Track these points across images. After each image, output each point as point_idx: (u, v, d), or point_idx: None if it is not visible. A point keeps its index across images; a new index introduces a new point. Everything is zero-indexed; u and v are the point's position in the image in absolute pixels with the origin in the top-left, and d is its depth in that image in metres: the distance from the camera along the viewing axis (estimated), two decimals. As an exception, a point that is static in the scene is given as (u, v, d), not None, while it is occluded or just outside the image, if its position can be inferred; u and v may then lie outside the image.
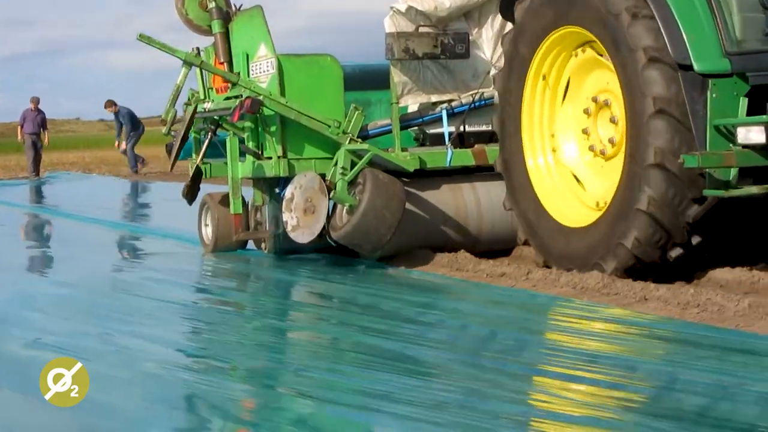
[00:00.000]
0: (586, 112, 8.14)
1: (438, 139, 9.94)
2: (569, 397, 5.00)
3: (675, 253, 7.45)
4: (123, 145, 27.09)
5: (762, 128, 6.88)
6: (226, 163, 9.99)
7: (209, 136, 10.10)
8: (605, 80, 7.84)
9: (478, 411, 4.72)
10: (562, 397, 5.01)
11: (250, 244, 10.56)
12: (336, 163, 9.16)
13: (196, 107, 9.98)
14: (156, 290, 8.60)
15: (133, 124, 27.04)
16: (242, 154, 9.82)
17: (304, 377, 5.64)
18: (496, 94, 9.11)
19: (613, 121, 7.91)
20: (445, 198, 9.46)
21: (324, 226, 9.05)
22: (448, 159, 9.53)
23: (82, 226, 14.80)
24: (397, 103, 9.63)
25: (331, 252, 9.78)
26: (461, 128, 9.90)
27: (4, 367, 6.09)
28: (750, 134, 6.96)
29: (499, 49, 9.73)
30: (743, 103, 7.16)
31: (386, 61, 9.76)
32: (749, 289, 7.31)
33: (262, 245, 10.07)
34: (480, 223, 9.48)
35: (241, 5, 10.23)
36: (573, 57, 8.13)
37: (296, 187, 9.12)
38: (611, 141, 7.98)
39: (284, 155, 9.51)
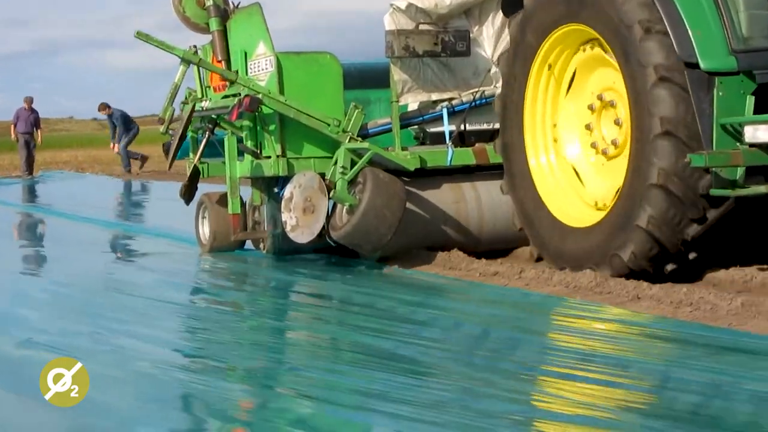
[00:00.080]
0: (591, 108, 8.08)
1: (438, 138, 9.94)
2: (563, 396, 5.03)
3: (670, 267, 7.50)
4: (116, 148, 27.42)
5: None
6: (224, 163, 9.92)
7: (207, 135, 10.08)
8: (612, 79, 7.83)
9: (471, 410, 4.76)
10: (556, 396, 5.04)
11: (248, 244, 10.56)
12: (336, 162, 9.15)
13: (194, 106, 9.94)
14: (150, 289, 8.61)
15: (125, 126, 27.34)
16: (240, 153, 9.75)
17: (300, 377, 5.69)
18: (497, 88, 9.14)
19: (617, 123, 7.91)
20: (445, 197, 9.46)
21: (324, 226, 8.98)
22: (449, 158, 9.52)
23: (75, 225, 14.87)
24: (397, 101, 9.64)
25: (331, 252, 9.78)
26: (462, 127, 9.89)
27: (-4, 365, 6.05)
28: (757, 133, 6.93)
29: (500, 47, 9.69)
30: (750, 101, 7.15)
31: (385, 60, 9.70)
32: (742, 288, 7.35)
33: (261, 245, 10.01)
34: (481, 223, 9.48)
35: (239, 3, 10.20)
36: (581, 51, 8.08)
37: (295, 186, 9.09)
38: (614, 143, 8.00)
39: (283, 154, 9.49)
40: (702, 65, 7.19)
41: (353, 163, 9.07)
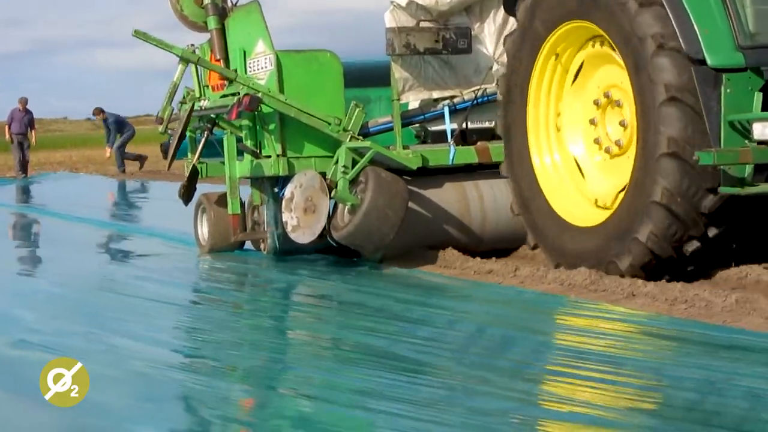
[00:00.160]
0: (596, 103, 8.09)
1: (440, 137, 9.93)
2: (557, 394, 5.08)
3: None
4: (108, 152, 27.89)
5: None
6: (222, 163, 9.86)
7: (205, 135, 10.01)
8: (619, 78, 7.79)
9: (466, 407, 4.80)
10: (551, 394, 5.09)
11: (247, 245, 10.56)
12: (337, 162, 9.14)
13: (193, 105, 9.85)
14: (147, 289, 8.65)
15: (119, 128, 27.74)
16: (240, 152, 9.68)
17: (296, 376, 5.75)
18: (498, 90, 9.11)
19: (622, 124, 7.89)
20: (447, 196, 9.46)
21: (325, 226, 8.91)
22: (451, 156, 9.49)
23: (69, 225, 14.92)
24: (398, 99, 9.61)
25: (331, 252, 9.77)
26: (464, 125, 9.89)
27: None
28: (766, 130, 6.96)
29: (502, 44, 9.58)
30: (758, 98, 7.15)
31: (385, 58, 9.63)
32: (736, 285, 7.37)
33: (261, 246, 9.94)
34: (483, 222, 9.46)
35: (237, 1, 10.17)
36: (590, 47, 8.00)
37: (296, 186, 9.07)
38: (618, 143, 7.99)
39: (283, 154, 9.48)
40: (709, 62, 7.15)
41: (354, 163, 9.07)
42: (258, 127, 9.61)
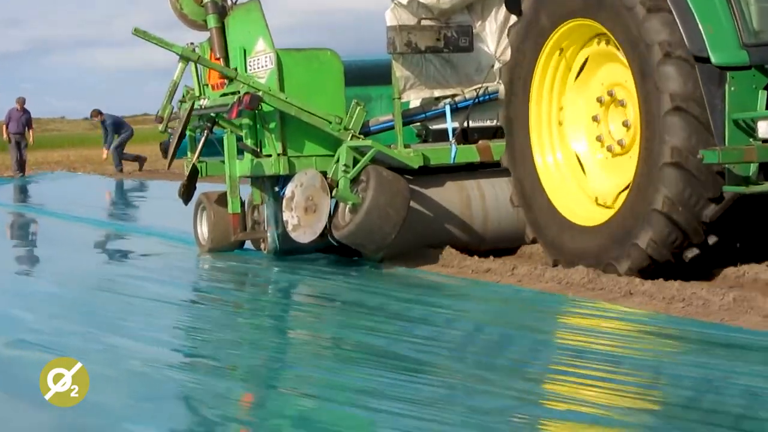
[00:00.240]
0: (599, 101, 8.11)
1: (441, 135, 9.96)
2: (555, 392, 5.12)
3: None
4: (105, 153, 28.03)
5: None
6: (222, 162, 9.84)
7: (205, 134, 10.00)
8: (623, 77, 7.77)
9: (464, 406, 4.83)
10: (549, 392, 5.13)
11: (247, 244, 10.60)
12: (338, 161, 9.15)
13: (193, 104, 9.82)
14: (145, 289, 8.67)
15: (116, 130, 27.99)
16: (240, 151, 9.64)
17: (294, 375, 5.79)
18: (500, 84, 9.09)
19: (625, 124, 7.92)
20: (449, 195, 9.49)
21: (326, 226, 8.87)
22: (452, 155, 9.48)
23: (67, 224, 14.97)
24: (400, 98, 9.61)
25: (332, 252, 9.79)
26: (465, 124, 9.91)
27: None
28: None
29: (504, 43, 9.61)
30: (762, 96, 7.19)
31: (386, 56, 9.62)
32: (734, 283, 7.42)
33: (261, 245, 9.91)
34: (485, 221, 9.45)
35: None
36: (595, 44, 7.98)
37: (297, 185, 9.07)
38: (620, 143, 8.02)
39: (284, 152, 9.50)
40: (713, 60, 7.16)
41: (356, 161, 9.08)
42: (258, 125, 9.62)
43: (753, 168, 7.06)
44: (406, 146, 9.54)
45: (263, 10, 9.66)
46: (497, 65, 9.71)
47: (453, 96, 9.88)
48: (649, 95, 7.32)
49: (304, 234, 9.07)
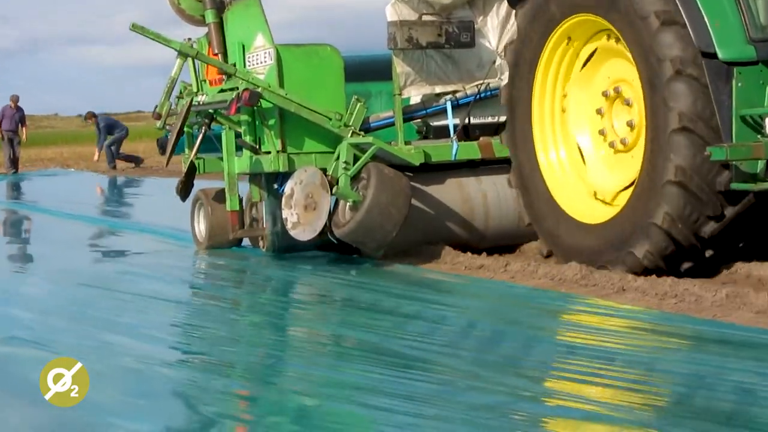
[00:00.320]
0: (605, 94, 8.10)
1: (442, 132, 9.98)
2: (548, 388, 5.19)
3: (686, 265, 7.56)
4: (96, 155, 28.15)
5: None
6: (220, 158, 9.77)
7: (203, 130, 9.95)
8: (631, 76, 7.76)
9: (455, 402, 4.89)
10: (541, 388, 5.18)
11: (245, 242, 10.62)
12: (338, 158, 9.17)
13: (191, 100, 9.73)
14: (141, 286, 8.69)
15: (109, 131, 28.25)
16: (239, 148, 9.56)
17: (288, 371, 5.83)
18: (502, 80, 9.12)
19: (630, 125, 7.92)
20: (450, 193, 9.51)
21: (326, 224, 8.80)
22: (454, 152, 9.44)
23: (60, 221, 14.97)
24: (400, 94, 9.58)
25: (330, 249, 9.78)
26: (466, 120, 9.92)
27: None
28: None
29: (505, 38, 9.59)
30: None
31: (386, 51, 9.59)
32: (727, 280, 7.50)
33: (260, 243, 9.86)
34: (487, 219, 9.46)
35: (236, -6, 9.96)
36: (605, 39, 7.92)
37: (296, 182, 9.07)
38: (623, 141, 8.04)
39: (283, 149, 9.49)
40: (720, 55, 7.17)
41: (356, 158, 9.12)
42: (257, 122, 9.59)
43: (761, 165, 7.10)
44: (407, 143, 9.56)
45: (262, 5, 9.64)
46: (499, 61, 9.69)
47: (454, 92, 9.88)
48: (657, 109, 7.34)
49: (304, 232, 9.04)
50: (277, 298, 8.54)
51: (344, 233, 8.94)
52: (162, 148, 11.66)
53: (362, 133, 9.38)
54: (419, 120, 10.23)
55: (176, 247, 11.03)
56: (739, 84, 7.07)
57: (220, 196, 10.17)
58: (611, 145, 8.08)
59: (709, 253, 7.46)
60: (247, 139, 9.62)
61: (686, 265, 7.49)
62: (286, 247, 9.67)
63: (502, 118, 9.12)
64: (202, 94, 10.28)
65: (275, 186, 9.67)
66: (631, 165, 7.82)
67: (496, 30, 9.88)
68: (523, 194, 8.62)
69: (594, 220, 7.98)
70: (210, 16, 10.07)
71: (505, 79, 8.94)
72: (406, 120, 9.77)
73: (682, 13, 7.19)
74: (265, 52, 9.54)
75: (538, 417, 4.73)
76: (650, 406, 4.77)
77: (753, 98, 7.09)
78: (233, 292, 8.75)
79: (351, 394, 5.15)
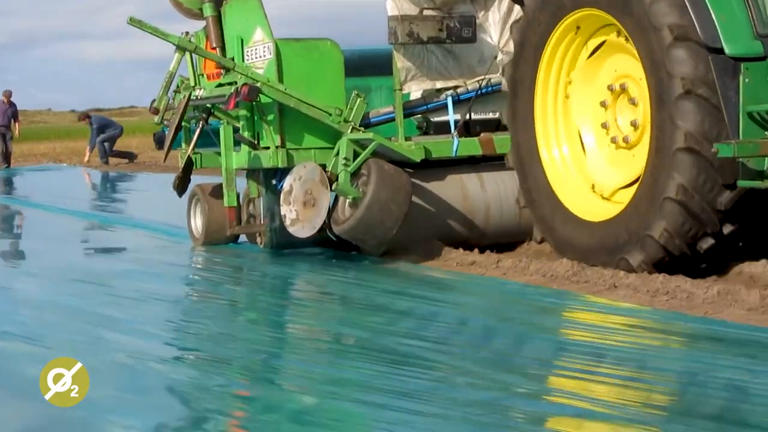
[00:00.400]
0: (610, 88, 8.15)
1: (442, 128, 10.02)
2: (538, 384, 5.23)
3: (706, 244, 7.52)
4: (87, 157, 28.17)
5: None
6: (217, 153, 9.70)
7: (200, 125, 9.88)
8: (638, 75, 7.70)
9: (447, 398, 4.94)
10: (532, 385, 5.21)
11: (241, 238, 10.61)
12: (337, 153, 9.17)
13: (189, 95, 9.64)
14: (134, 282, 8.71)
15: (101, 130, 28.22)
16: (237, 143, 9.48)
17: (275, 366, 5.87)
18: (503, 76, 9.11)
19: (634, 125, 7.93)
20: (450, 189, 9.56)
21: (325, 221, 8.76)
22: (454, 148, 9.44)
23: (53, 216, 15.00)
24: (400, 89, 9.57)
25: (329, 246, 9.75)
26: (467, 116, 9.95)
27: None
28: None
29: (507, 34, 9.61)
30: None
31: (386, 46, 9.56)
32: (718, 277, 7.55)
33: (258, 239, 9.81)
34: (487, 216, 9.43)
35: (235, -13, 9.90)
36: (615, 34, 7.85)
37: (295, 178, 9.06)
38: (625, 140, 8.08)
39: (282, 145, 9.51)
40: (727, 50, 7.16)
41: (356, 154, 9.12)
42: (256, 117, 9.61)
43: (768, 162, 6.98)
44: (407, 139, 9.58)
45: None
46: (500, 56, 9.68)
47: (455, 87, 9.90)
48: (663, 124, 7.36)
49: (303, 229, 9.03)
50: (273, 295, 8.55)
51: (344, 230, 8.95)
52: (159, 143, 11.61)
53: (362, 128, 9.38)
54: (420, 116, 10.22)
55: (169, 242, 11.06)
56: (746, 80, 7.08)
57: (217, 192, 10.18)
58: (613, 140, 8.11)
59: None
60: (246, 134, 9.63)
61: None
62: (284, 244, 9.68)
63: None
64: (200, 89, 10.24)
65: (274, 182, 9.67)
66: (632, 163, 7.85)
67: (497, 25, 9.91)
68: (521, 177, 8.64)
69: (591, 217, 8.01)
70: (208, 10, 10.06)
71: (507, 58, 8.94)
72: (406, 115, 9.77)
73: (688, 7, 7.13)
74: (264, 47, 9.53)
75: (531, 413, 4.76)
76: (642, 402, 4.82)
77: (760, 94, 7.08)
78: (229, 289, 8.75)
79: (341, 390, 5.20)
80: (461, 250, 9.00)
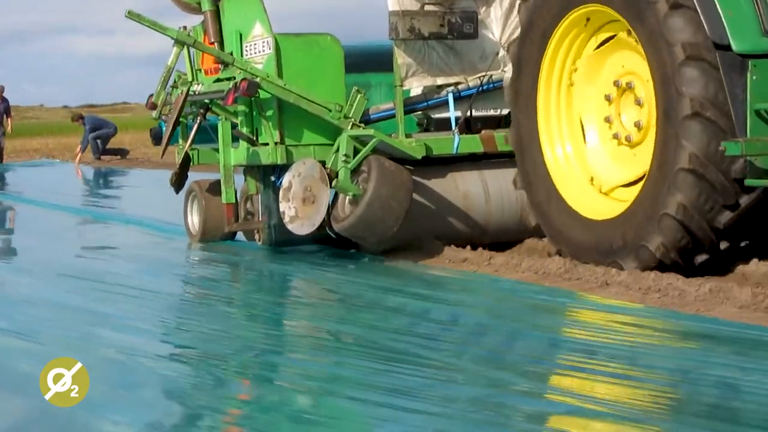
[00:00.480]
0: (616, 84, 8.14)
1: (443, 124, 10.04)
2: (529, 381, 5.27)
3: (701, 258, 7.59)
4: (78, 158, 28.03)
5: None
6: (215, 149, 9.65)
7: (198, 121, 9.83)
8: (646, 76, 7.70)
9: (439, 396, 4.99)
10: (523, 381, 5.25)
11: (239, 235, 10.62)
12: (337, 150, 9.17)
13: (188, 90, 9.58)
14: (127, 278, 8.71)
15: (93, 129, 28.22)
16: (235, 139, 9.40)
17: (265, 363, 5.91)
18: (505, 72, 9.18)
19: (638, 125, 7.95)
20: (451, 187, 9.58)
21: (324, 218, 8.68)
22: (455, 145, 9.40)
23: (46, 212, 15.08)
24: (401, 86, 9.55)
25: (329, 243, 9.79)
26: (468, 113, 9.96)
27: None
28: None
29: (509, 30, 9.50)
30: None
31: (386, 41, 9.50)
32: (710, 274, 7.58)
33: (256, 237, 9.77)
34: (488, 214, 9.42)
35: (234, -19, 9.84)
36: (626, 33, 7.76)
37: (295, 175, 9.07)
38: (628, 138, 8.08)
39: (281, 141, 9.52)
40: (734, 47, 7.14)
41: (356, 151, 9.13)
42: (255, 113, 9.61)
43: (776, 161, 6.94)
44: (408, 135, 9.58)
45: (261, -7, 9.50)
46: (502, 53, 9.64)
47: (456, 84, 9.90)
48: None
49: (302, 226, 9.04)
50: (270, 292, 8.57)
51: (344, 228, 8.96)
52: (155, 138, 11.49)
53: (362, 125, 9.39)
54: (420, 112, 10.23)
55: (162, 239, 11.09)
56: (754, 77, 7.06)
57: (214, 188, 10.21)
58: (615, 136, 8.12)
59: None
60: (244, 130, 9.62)
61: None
62: (283, 241, 9.70)
63: (505, 111, 9.03)
64: (197, 84, 10.18)
65: (272, 178, 9.69)
66: (633, 162, 7.88)
67: (499, 21, 9.91)
68: (519, 160, 8.64)
69: (586, 212, 8.00)
70: (206, 4, 10.06)
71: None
72: (407, 112, 9.77)
73: (695, 4, 7.07)
74: (264, 41, 9.54)
75: (523, 410, 4.80)
76: (633, 399, 4.87)
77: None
78: (225, 286, 8.77)
79: (340, 387, 5.24)
80: (453, 247, 9.03)
